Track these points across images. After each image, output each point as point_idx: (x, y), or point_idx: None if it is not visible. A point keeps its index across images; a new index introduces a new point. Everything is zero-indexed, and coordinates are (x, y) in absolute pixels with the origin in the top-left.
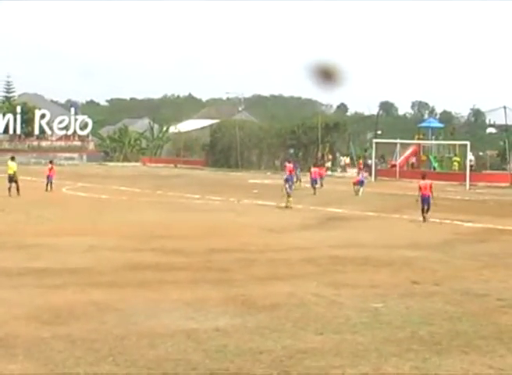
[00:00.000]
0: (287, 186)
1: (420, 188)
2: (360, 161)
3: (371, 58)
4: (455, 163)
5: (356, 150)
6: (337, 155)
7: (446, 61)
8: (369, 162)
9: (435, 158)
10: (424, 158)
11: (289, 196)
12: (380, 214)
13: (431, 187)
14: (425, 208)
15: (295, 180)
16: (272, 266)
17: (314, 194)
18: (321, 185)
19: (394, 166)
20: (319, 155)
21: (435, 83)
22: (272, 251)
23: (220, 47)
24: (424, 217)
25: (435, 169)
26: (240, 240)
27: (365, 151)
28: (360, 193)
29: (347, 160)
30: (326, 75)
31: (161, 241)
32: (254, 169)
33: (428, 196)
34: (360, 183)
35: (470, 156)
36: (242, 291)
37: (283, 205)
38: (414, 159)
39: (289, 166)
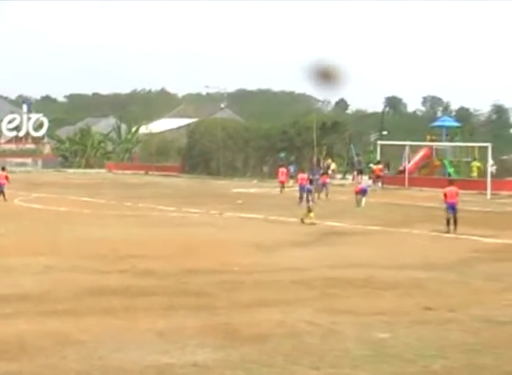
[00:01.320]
0: (310, 198)
1: (445, 195)
2: (378, 167)
3: (376, 47)
4: (474, 169)
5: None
6: (321, 159)
7: (462, 50)
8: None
9: (450, 162)
10: (437, 163)
11: (309, 210)
12: (386, 228)
13: (457, 194)
14: (451, 217)
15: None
16: (259, 290)
17: (301, 203)
18: (326, 195)
19: (402, 172)
20: (314, 159)
21: (450, 75)
22: (259, 272)
23: (199, 35)
24: (449, 229)
25: (450, 175)
26: (221, 259)
27: (357, 155)
28: (362, 203)
29: (333, 165)
30: (326, 74)
31: (130, 261)
32: (238, 176)
33: (455, 204)
34: (363, 192)
35: (491, 160)
36: (224, 320)
37: (307, 220)
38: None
39: (282, 170)
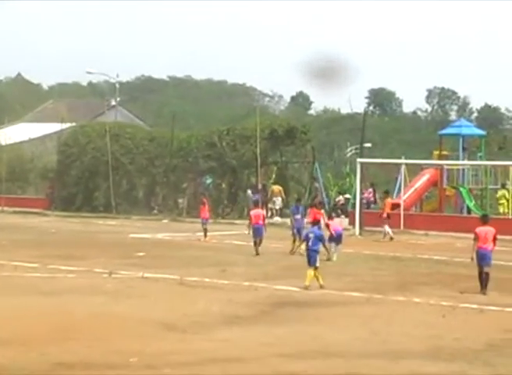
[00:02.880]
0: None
1: (477, 238)
2: (389, 200)
3: (356, 21)
4: (502, 201)
5: (325, 178)
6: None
7: (487, 25)
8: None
9: (468, 191)
10: (450, 192)
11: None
12: (372, 295)
13: (495, 237)
14: (483, 272)
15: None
16: None
17: (257, 254)
18: (327, 251)
19: (397, 205)
20: (259, 186)
21: (468, 58)
22: (171, 366)
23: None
24: (482, 288)
25: (469, 211)
26: (112, 346)
27: (313, 179)
28: (334, 257)
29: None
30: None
31: None
32: (139, 213)
33: (490, 251)
34: (336, 238)
35: None
36: None
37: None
38: (368, 193)
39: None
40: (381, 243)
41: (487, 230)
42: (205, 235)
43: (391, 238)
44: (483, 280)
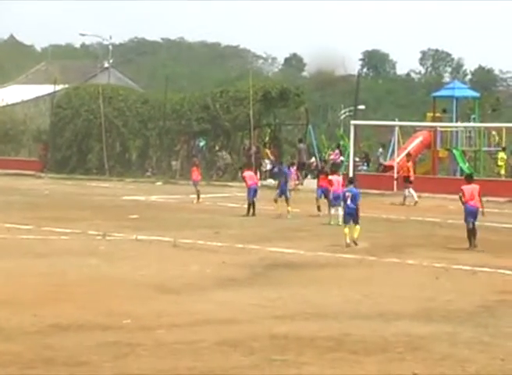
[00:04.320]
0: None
1: (463, 195)
2: (408, 164)
3: None
4: (500, 163)
5: (319, 140)
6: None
7: None
8: (312, 159)
9: (461, 154)
10: (443, 154)
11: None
12: (365, 257)
13: (479, 194)
14: (472, 227)
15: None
16: (164, 357)
17: (247, 214)
18: (318, 209)
19: (389, 168)
20: (252, 149)
21: (462, 20)
22: (164, 328)
23: None
24: (471, 243)
25: (463, 173)
26: (105, 308)
27: (300, 141)
28: (339, 219)
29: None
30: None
31: None
32: (132, 175)
33: (477, 208)
34: (339, 199)
35: None
36: None
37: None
38: (335, 155)
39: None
40: (373, 203)
41: (472, 188)
42: (198, 197)
43: (405, 202)
44: (472, 234)
